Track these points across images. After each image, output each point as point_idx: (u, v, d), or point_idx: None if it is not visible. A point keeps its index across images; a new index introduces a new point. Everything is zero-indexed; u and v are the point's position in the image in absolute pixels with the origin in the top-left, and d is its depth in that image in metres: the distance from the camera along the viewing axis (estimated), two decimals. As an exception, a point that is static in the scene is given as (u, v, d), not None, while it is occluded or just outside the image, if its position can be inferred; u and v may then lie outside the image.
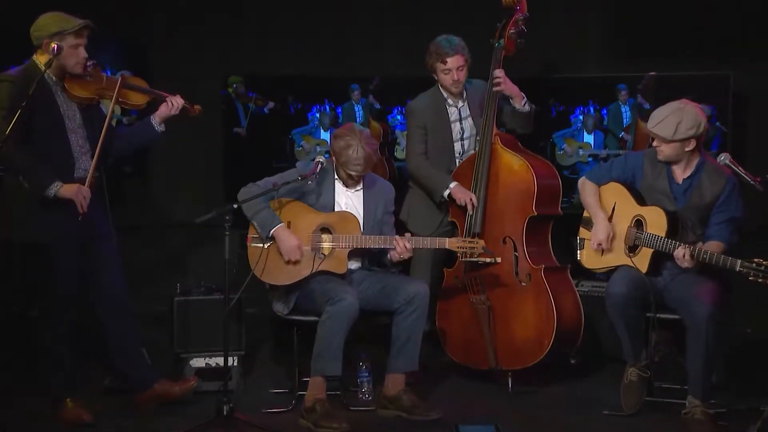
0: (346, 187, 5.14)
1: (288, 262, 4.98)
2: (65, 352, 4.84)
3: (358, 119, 6.62)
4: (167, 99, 4.96)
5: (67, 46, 4.64)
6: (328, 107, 6.62)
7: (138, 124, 5.18)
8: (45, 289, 4.78)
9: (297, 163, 5.28)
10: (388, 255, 5.01)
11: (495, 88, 5.47)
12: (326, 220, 5.04)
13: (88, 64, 4.79)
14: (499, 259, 5.23)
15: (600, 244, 5.01)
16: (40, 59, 4.69)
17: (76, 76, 4.76)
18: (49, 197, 4.62)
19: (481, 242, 5.00)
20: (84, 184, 4.73)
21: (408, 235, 5.03)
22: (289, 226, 5.01)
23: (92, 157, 4.76)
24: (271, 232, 4.97)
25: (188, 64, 6.57)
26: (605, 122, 6.47)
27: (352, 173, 5.02)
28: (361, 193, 5.16)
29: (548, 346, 5.20)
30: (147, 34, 6.46)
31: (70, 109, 4.78)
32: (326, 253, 5.00)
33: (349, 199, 5.14)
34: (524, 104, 5.54)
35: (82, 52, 4.72)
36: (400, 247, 4.94)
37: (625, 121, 6.44)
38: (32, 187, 4.64)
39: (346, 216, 5.05)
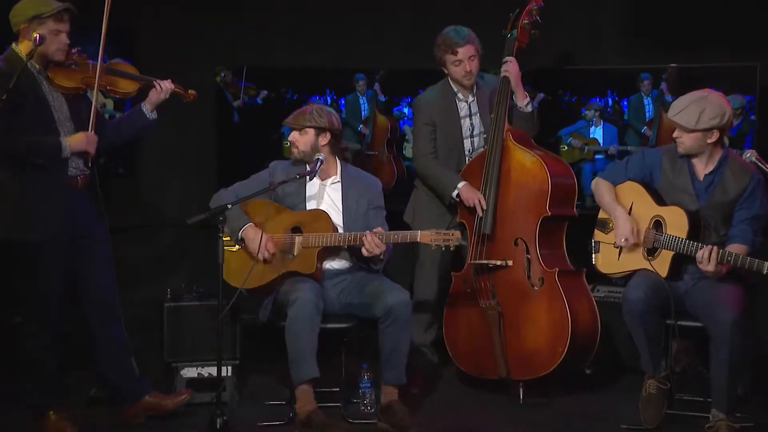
0: (321, 179, 5.18)
1: (262, 261, 5.01)
2: (49, 360, 4.84)
3: (362, 112, 6.57)
4: (155, 83, 4.97)
5: (47, 31, 4.64)
6: (329, 98, 6.59)
7: (128, 113, 5.20)
8: (28, 293, 4.79)
9: (271, 164, 5.30)
10: (362, 251, 5.00)
11: (502, 72, 5.46)
12: (297, 219, 5.09)
13: (73, 51, 4.80)
14: (510, 262, 5.27)
15: (626, 240, 4.96)
16: (21, 48, 4.69)
17: (60, 65, 4.77)
18: (67, 157, 4.69)
19: (457, 233, 4.96)
20: (77, 183, 4.80)
21: (379, 229, 5.00)
22: (260, 228, 5.05)
23: (82, 155, 4.78)
24: (240, 233, 5.03)
25: (180, 55, 6.55)
26: (626, 116, 6.42)
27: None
28: (339, 185, 5.20)
29: (562, 354, 5.20)
30: (135, 23, 6.46)
31: (56, 100, 4.79)
32: (296, 253, 5.03)
33: (326, 193, 5.19)
34: (527, 104, 5.56)
35: (64, 39, 4.72)
36: (368, 242, 4.93)
37: (647, 114, 6.38)
38: (46, 157, 4.67)
39: (318, 214, 5.08)
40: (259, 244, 4.99)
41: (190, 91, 5.09)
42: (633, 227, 4.98)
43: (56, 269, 4.78)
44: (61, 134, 4.74)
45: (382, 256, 5.00)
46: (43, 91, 4.75)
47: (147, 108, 5.00)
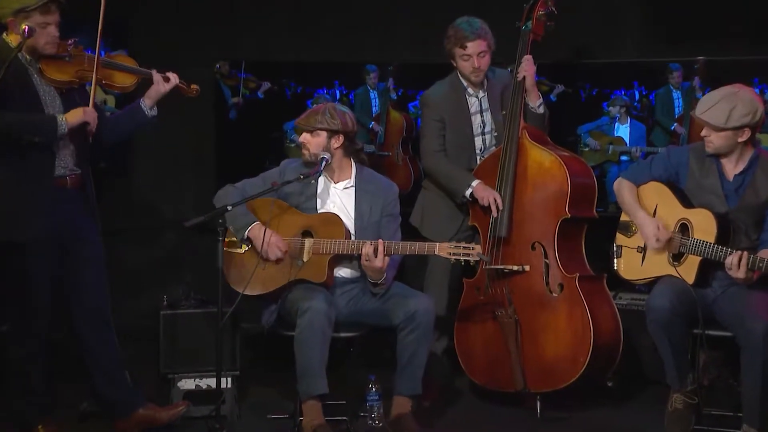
0: (334, 182, 5.14)
1: (273, 261, 4.98)
2: (36, 370, 4.83)
3: (374, 108, 6.51)
4: (156, 75, 4.93)
5: (34, 24, 4.62)
6: (338, 92, 6.51)
7: (126, 109, 5.17)
8: (15, 298, 4.77)
9: (282, 162, 5.29)
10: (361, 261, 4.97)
11: (520, 73, 5.42)
12: (308, 223, 5.05)
13: (69, 42, 4.79)
14: (527, 267, 5.24)
15: (657, 239, 4.90)
16: (11, 39, 4.69)
17: (52, 57, 4.75)
18: (63, 135, 4.66)
19: (478, 248, 4.93)
20: (66, 184, 4.77)
21: (380, 241, 4.93)
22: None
23: (74, 154, 4.77)
24: (247, 233, 5.01)
25: (176, 48, 6.54)
26: (654, 111, 6.32)
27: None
28: (352, 190, 5.16)
29: (583, 365, 5.16)
30: (130, 15, 6.46)
31: (48, 94, 4.77)
32: (306, 259, 4.99)
33: (337, 197, 5.15)
34: (539, 105, 5.54)
35: (52, 31, 4.71)
36: (365, 250, 4.88)
37: (677, 109, 6.27)
38: (42, 134, 4.64)
39: (330, 218, 5.05)
40: (263, 241, 4.95)
41: (192, 86, 5.09)
42: (657, 224, 4.92)
43: (44, 273, 4.76)
44: None
45: (381, 281, 4.98)
46: (34, 84, 4.74)
47: (146, 104, 4.98)
